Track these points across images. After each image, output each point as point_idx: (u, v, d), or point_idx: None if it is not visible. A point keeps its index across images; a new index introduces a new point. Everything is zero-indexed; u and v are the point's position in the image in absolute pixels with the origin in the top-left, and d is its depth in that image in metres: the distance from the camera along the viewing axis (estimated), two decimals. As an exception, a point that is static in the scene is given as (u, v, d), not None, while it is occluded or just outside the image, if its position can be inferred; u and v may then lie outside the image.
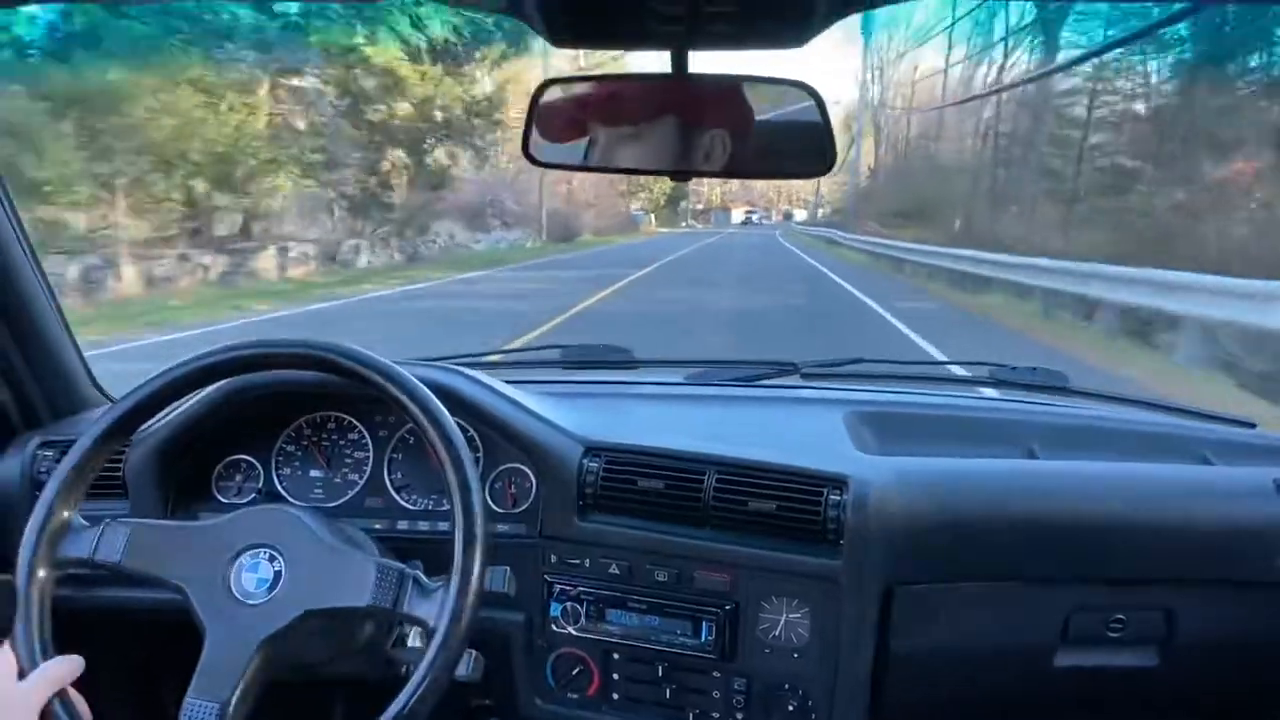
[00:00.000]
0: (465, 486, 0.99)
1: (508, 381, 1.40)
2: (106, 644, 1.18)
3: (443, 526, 1.29)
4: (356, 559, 1.01)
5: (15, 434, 1.46)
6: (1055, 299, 11.29)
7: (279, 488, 1.35)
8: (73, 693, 0.96)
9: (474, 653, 0.99)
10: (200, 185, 15.73)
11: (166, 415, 1.29)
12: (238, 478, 1.36)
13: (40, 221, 11.60)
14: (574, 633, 1.27)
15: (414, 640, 1.10)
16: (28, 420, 1.48)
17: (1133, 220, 15.89)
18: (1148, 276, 8.92)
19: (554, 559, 1.27)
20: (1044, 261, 11.97)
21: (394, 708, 0.91)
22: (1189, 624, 1.25)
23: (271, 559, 1.00)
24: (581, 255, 27.61)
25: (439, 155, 25.48)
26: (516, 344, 7.61)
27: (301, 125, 20.26)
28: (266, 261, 17.07)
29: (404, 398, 1.03)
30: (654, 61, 0.88)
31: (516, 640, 1.29)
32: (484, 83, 26.73)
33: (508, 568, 1.02)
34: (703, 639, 1.22)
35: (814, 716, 1.21)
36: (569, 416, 1.34)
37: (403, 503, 1.34)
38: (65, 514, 1.02)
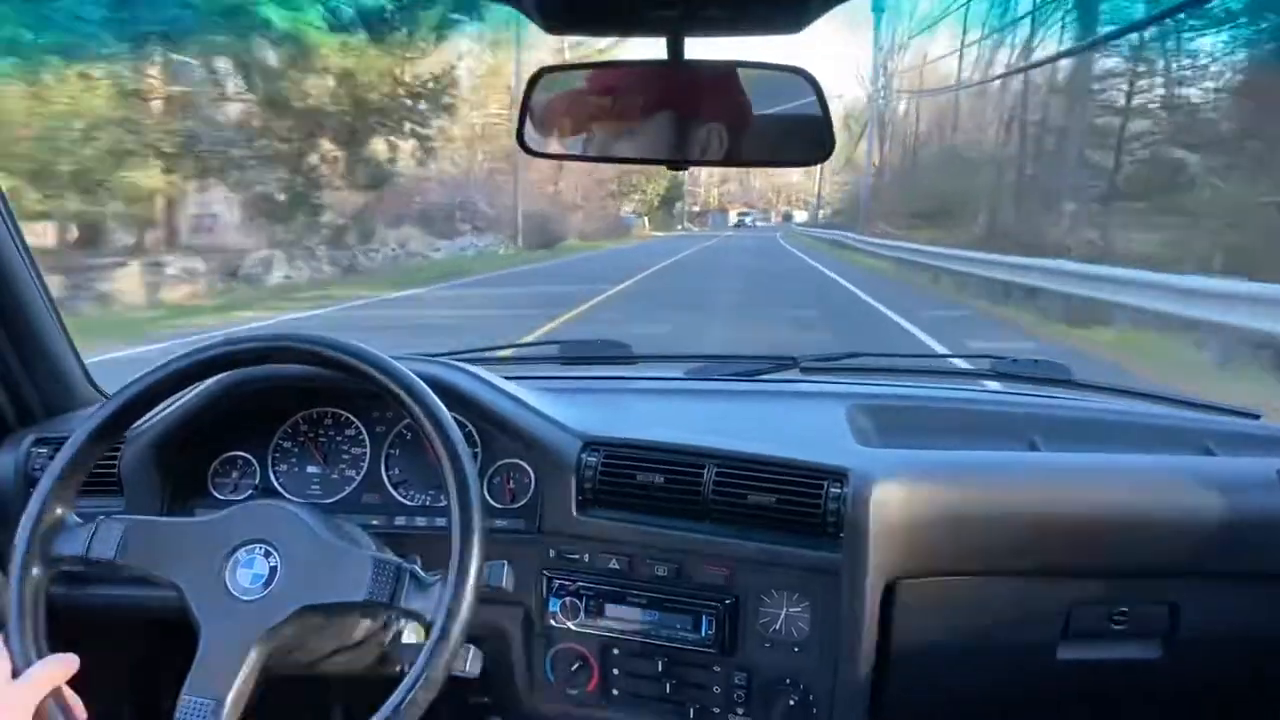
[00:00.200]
0: (461, 479, 0.98)
1: (506, 377, 1.39)
2: (102, 642, 1.17)
3: (440, 522, 1.28)
4: (353, 554, 1.00)
5: (10, 431, 1.45)
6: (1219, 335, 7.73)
7: (275, 484, 1.35)
8: (68, 692, 0.95)
9: (472, 648, 0.98)
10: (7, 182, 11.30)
11: (162, 411, 1.29)
12: (234, 474, 1.36)
13: None
14: (573, 628, 1.26)
15: (411, 636, 1.09)
16: (22, 417, 1.47)
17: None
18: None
19: (553, 554, 1.27)
20: (1166, 279, 9.15)
21: (391, 702, 0.90)
22: (1192, 616, 1.24)
23: (267, 554, 0.99)
24: (557, 265, 23.53)
25: (377, 146, 20.86)
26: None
27: (163, 107, 15.55)
28: (128, 281, 13.12)
29: (400, 391, 1.03)
30: (649, 49, 0.87)
31: (515, 636, 1.28)
32: (430, 58, 21.56)
33: (506, 563, 1.01)
34: (703, 633, 1.22)
35: (815, 711, 1.20)
36: (568, 411, 1.34)
37: (400, 498, 1.33)
38: (59, 511, 1.01)
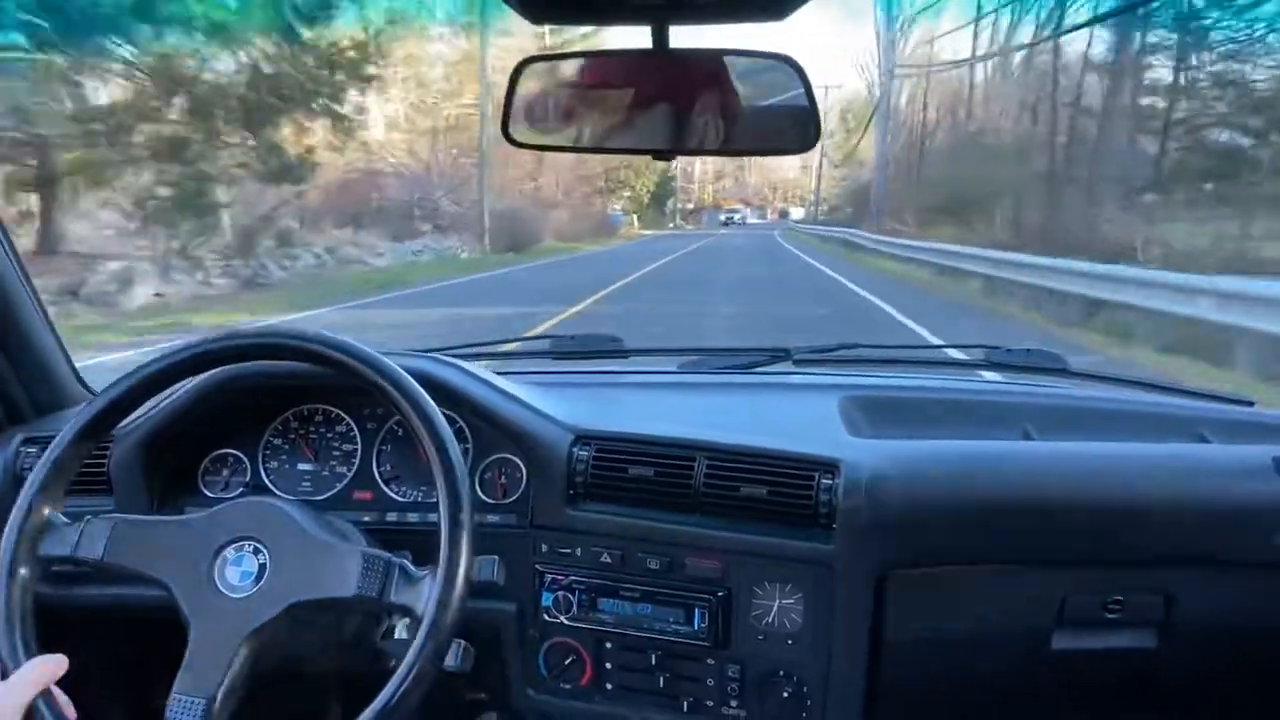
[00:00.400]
0: (450, 473, 0.97)
1: (498, 372, 1.39)
2: (92, 642, 1.17)
3: (432, 518, 1.27)
4: (341, 549, 0.99)
5: None
6: None
7: (266, 481, 1.34)
8: (57, 692, 0.94)
9: (463, 643, 0.98)
10: None
11: (151, 410, 1.28)
12: (224, 472, 1.35)
13: None
14: (566, 622, 1.26)
15: (402, 632, 1.09)
16: (11, 417, 1.47)
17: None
18: None
19: (545, 548, 1.26)
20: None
21: (381, 697, 0.90)
22: (1187, 604, 1.24)
23: (256, 551, 0.98)
24: (511, 274, 17.80)
25: (284, 130, 16.17)
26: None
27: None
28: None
29: (388, 387, 1.02)
30: (634, 38, 0.86)
31: (508, 631, 1.28)
32: (346, 19, 17.00)
33: (497, 557, 1.01)
34: (696, 626, 1.21)
35: (809, 703, 1.20)
36: (558, 405, 1.33)
37: (391, 495, 1.32)
38: (45, 511, 1.01)
